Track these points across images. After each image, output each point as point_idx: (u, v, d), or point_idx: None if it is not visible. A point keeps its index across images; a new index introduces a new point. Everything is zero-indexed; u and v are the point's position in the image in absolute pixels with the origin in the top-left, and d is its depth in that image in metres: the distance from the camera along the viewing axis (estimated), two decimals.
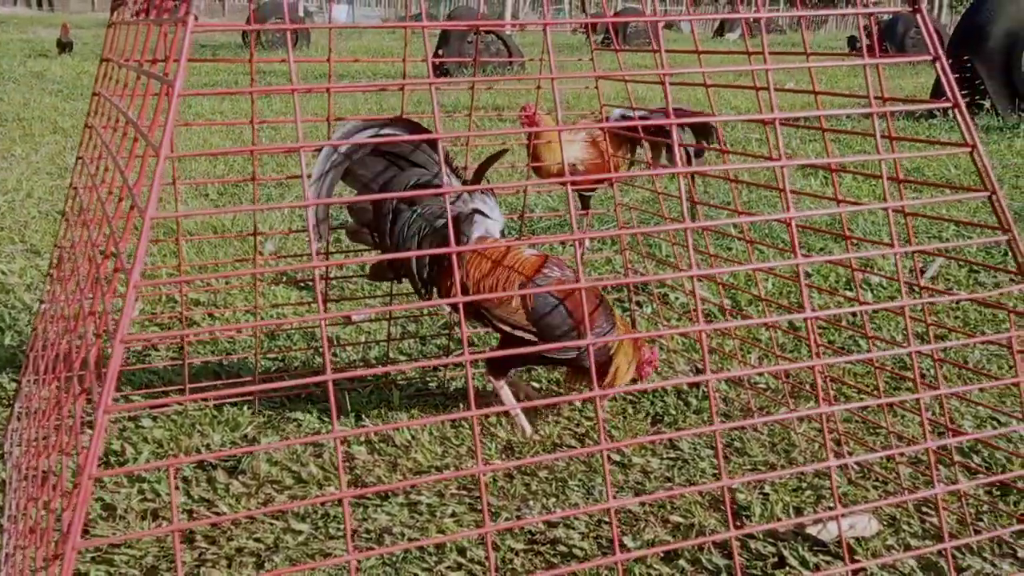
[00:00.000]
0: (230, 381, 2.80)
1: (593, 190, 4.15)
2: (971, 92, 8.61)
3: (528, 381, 2.91)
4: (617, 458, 2.44)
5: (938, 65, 1.62)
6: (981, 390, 2.81)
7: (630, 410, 2.74)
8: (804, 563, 1.99)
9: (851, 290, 3.78)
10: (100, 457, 2.41)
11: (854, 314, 3.39)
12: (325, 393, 2.80)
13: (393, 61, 2.72)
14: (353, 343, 3.19)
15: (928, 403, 2.69)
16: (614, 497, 2.25)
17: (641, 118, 3.42)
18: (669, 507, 2.22)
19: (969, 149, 1.64)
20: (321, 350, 3.04)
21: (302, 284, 3.81)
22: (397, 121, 2.39)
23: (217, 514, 2.14)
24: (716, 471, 2.38)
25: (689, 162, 3.72)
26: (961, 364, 2.81)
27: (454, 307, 2.55)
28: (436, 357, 3.12)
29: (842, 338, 3.24)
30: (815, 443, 2.50)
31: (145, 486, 2.26)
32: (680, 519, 2.17)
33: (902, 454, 2.34)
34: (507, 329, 2.48)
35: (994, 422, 2.60)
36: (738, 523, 2.15)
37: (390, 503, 2.21)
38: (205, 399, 2.69)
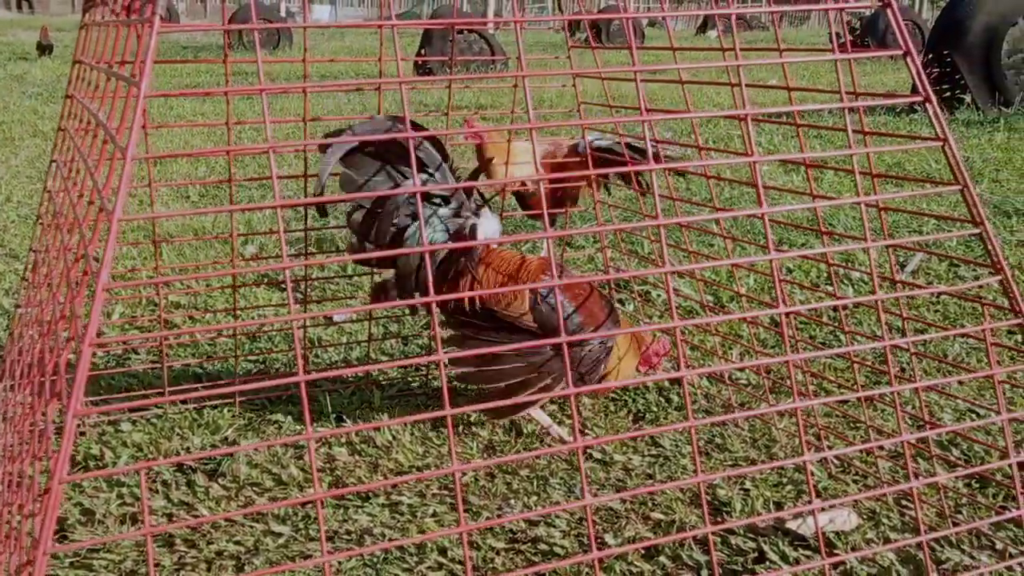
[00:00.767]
0: (210, 384, 2.79)
1: (552, 214, 3.98)
2: (952, 87, 8.66)
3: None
4: (599, 456, 2.44)
5: (909, 60, 1.63)
6: (960, 383, 2.82)
7: (612, 407, 2.74)
8: (784, 558, 1.99)
9: (831, 285, 3.79)
10: (79, 462, 2.39)
11: (835, 309, 3.40)
12: (307, 395, 2.79)
13: (371, 61, 2.71)
14: (335, 344, 3.18)
15: (908, 397, 2.70)
16: (595, 495, 2.25)
17: (612, 149, 3.35)
18: (650, 504, 2.22)
19: (941, 143, 1.64)
20: (304, 352, 3.03)
21: (283, 285, 3.80)
22: (400, 121, 2.34)
23: (196, 517, 2.13)
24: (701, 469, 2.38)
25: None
26: (940, 358, 2.83)
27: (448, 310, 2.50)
28: (417, 357, 3.11)
29: (823, 333, 3.25)
30: (795, 438, 2.51)
31: (124, 490, 2.25)
32: (661, 516, 2.17)
33: (881, 448, 2.35)
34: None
35: (973, 415, 2.62)
36: (719, 519, 2.15)
37: (371, 504, 2.20)
38: (184, 401, 2.68)
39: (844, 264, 3.94)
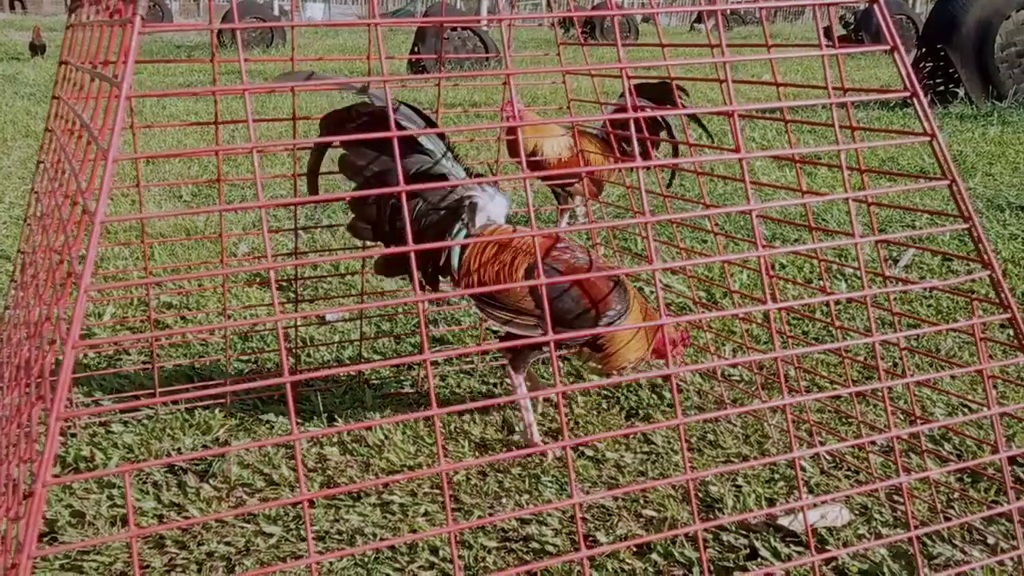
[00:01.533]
0: (200, 384, 2.78)
1: (569, 185, 4.13)
2: (945, 81, 8.66)
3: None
4: (591, 453, 2.44)
5: (896, 55, 1.62)
6: (953, 378, 2.82)
7: (604, 405, 2.74)
8: (776, 554, 1.99)
9: (826, 280, 3.79)
10: (70, 463, 2.39)
11: (828, 304, 3.40)
12: (298, 395, 2.79)
13: (363, 59, 2.70)
14: (327, 343, 3.17)
15: (900, 392, 2.70)
16: (586, 492, 2.25)
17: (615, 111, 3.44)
18: (642, 501, 2.22)
19: (928, 138, 1.64)
20: (295, 351, 3.02)
21: (276, 285, 3.79)
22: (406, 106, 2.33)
23: (187, 518, 2.13)
24: (690, 464, 2.38)
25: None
26: (932, 353, 2.83)
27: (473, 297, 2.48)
28: (410, 356, 3.11)
29: (815, 329, 3.25)
30: (788, 434, 2.50)
31: (115, 491, 2.24)
32: (653, 513, 2.17)
33: (873, 443, 2.35)
34: (511, 317, 2.36)
35: (965, 410, 2.62)
36: (711, 516, 2.15)
37: (362, 504, 2.20)
38: (175, 401, 2.67)
39: (835, 260, 3.95)
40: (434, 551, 2.00)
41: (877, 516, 2.12)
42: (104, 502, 2.19)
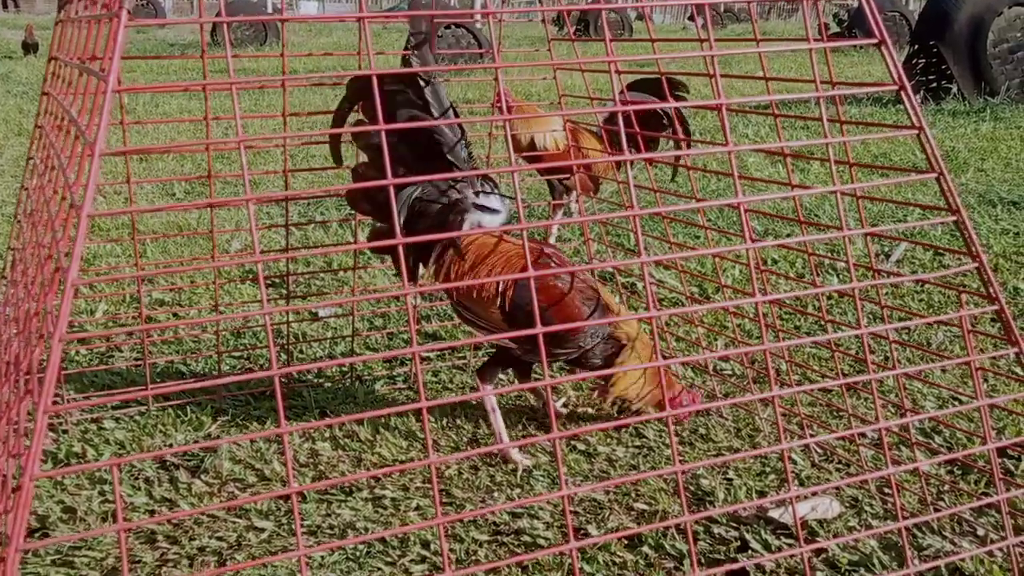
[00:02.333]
0: (191, 380, 2.78)
1: (567, 177, 4.13)
2: (938, 78, 8.68)
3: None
4: (582, 447, 2.44)
5: (883, 49, 1.63)
6: (944, 371, 2.83)
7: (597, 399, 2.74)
8: (767, 546, 2.00)
9: (817, 275, 3.80)
10: (61, 459, 2.39)
11: (819, 299, 3.41)
12: (290, 390, 2.79)
13: (355, 56, 2.70)
14: (319, 339, 3.17)
15: (891, 385, 2.71)
16: (577, 485, 2.25)
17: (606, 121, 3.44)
18: (634, 495, 2.22)
19: (916, 131, 1.64)
20: (287, 347, 3.02)
21: (268, 281, 3.79)
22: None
23: (184, 515, 2.13)
24: (682, 458, 2.39)
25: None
26: (923, 347, 2.84)
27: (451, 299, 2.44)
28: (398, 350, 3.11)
29: (807, 324, 3.26)
30: (778, 427, 2.51)
31: (106, 487, 2.24)
32: (644, 506, 2.17)
33: (863, 436, 2.36)
34: (485, 328, 2.34)
35: (956, 403, 2.62)
36: (702, 509, 2.16)
37: (354, 498, 2.20)
38: (166, 397, 2.67)
39: (825, 254, 3.95)
40: (425, 545, 2.01)
41: (868, 508, 2.13)
42: (96, 498, 2.19)
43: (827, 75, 1.85)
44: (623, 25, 20.78)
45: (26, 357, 1.47)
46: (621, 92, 2.86)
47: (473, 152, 2.38)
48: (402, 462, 2.38)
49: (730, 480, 2.27)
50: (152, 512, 2.16)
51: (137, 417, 2.60)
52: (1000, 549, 1.92)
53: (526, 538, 2.04)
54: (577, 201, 3.66)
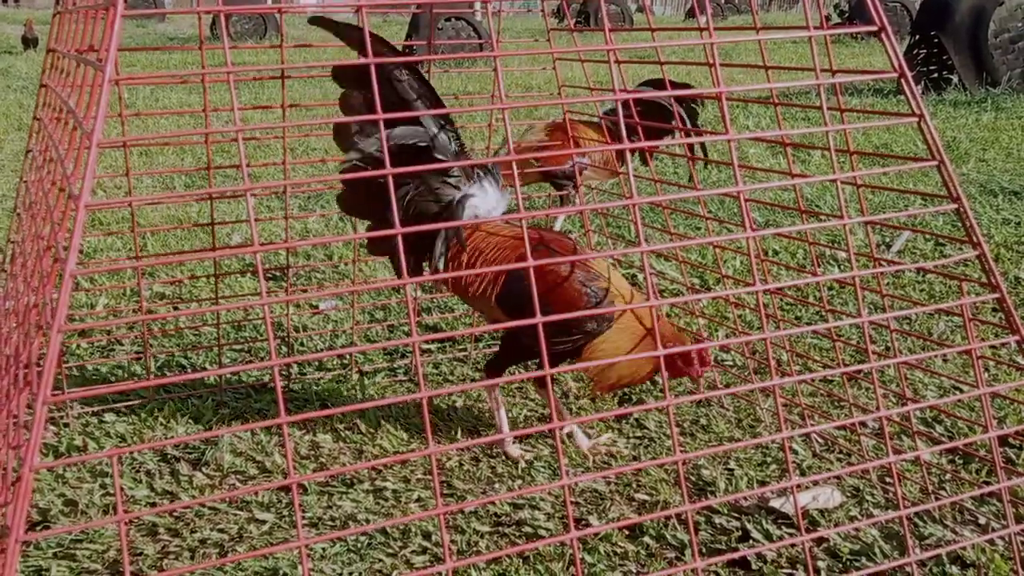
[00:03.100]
0: (193, 375, 2.78)
1: (568, 177, 4.13)
2: (939, 68, 8.66)
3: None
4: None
5: (884, 36, 1.62)
6: (945, 361, 2.83)
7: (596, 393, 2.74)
8: (768, 536, 2.00)
9: (818, 266, 3.79)
10: (62, 452, 2.39)
11: (820, 288, 3.40)
12: (291, 383, 2.79)
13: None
14: (320, 331, 3.17)
15: (892, 375, 2.71)
16: (577, 475, 2.25)
17: (608, 112, 3.44)
18: (635, 485, 2.22)
19: (916, 119, 1.64)
20: (288, 339, 3.02)
21: (269, 275, 3.79)
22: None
23: (182, 507, 2.13)
24: (682, 448, 2.39)
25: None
26: (925, 336, 2.83)
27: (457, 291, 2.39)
28: (396, 340, 3.11)
29: (808, 314, 3.25)
30: (778, 417, 2.50)
31: (107, 480, 2.24)
32: (646, 497, 2.17)
33: (864, 425, 2.35)
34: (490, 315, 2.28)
35: (958, 392, 2.62)
36: (703, 499, 2.15)
37: (355, 490, 2.20)
38: (168, 390, 2.67)
39: (827, 244, 3.95)
40: (427, 536, 2.01)
41: (869, 498, 2.13)
42: (97, 491, 2.19)
43: (828, 64, 1.84)
44: (623, 17, 20.73)
45: (25, 349, 1.47)
46: (640, 85, 2.86)
47: (463, 143, 2.28)
48: (403, 454, 2.38)
49: (731, 470, 2.27)
50: (153, 504, 2.16)
51: (138, 410, 2.60)
52: (1002, 538, 1.91)
53: (527, 529, 2.04)
54: (577, 191, 3.65)
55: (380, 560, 1.94)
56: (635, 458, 2.35)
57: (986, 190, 5.02)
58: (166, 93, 9.74)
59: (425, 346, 3.03)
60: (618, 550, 1.96)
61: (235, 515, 2.10)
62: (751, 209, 4.45)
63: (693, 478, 2.24)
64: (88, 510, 2.13)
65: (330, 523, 2.08)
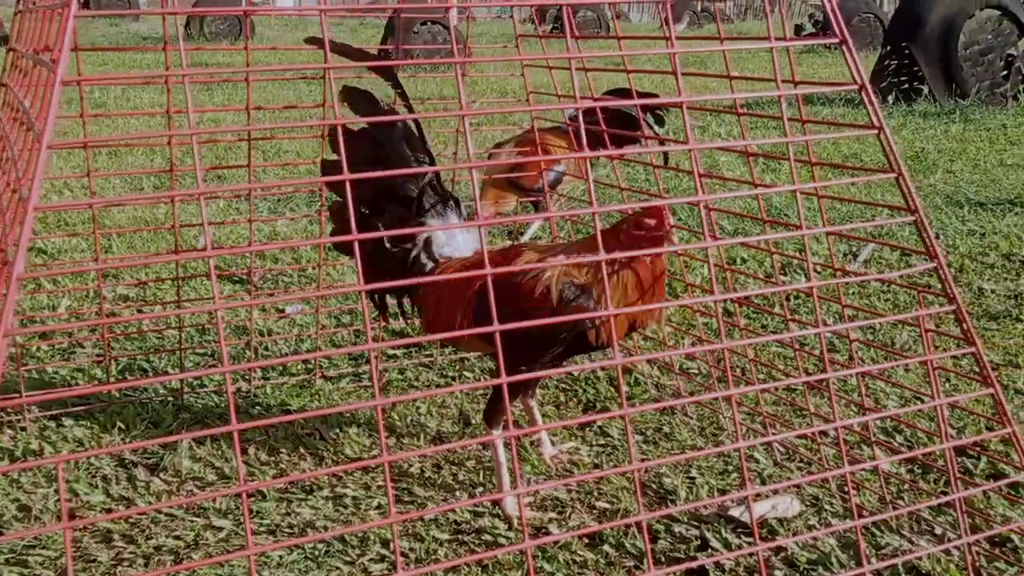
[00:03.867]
0: (154, 379, 2.75)
1: (537, 193, 4.11)
2: (910, 79, 8.75)
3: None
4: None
5: (844, 48, 1.63)
6: (907, 371, 2.85)
7: (562, 398, 2.74)
8: (727, 545, 2.00)
9: (786, 275, 3.82)
10: (17, 457, 2.35)
11: (788, 297, 3.42)
12: (253, 388, 2.77)
13: (315, 50, 2.67)
14: (285, 336, 3.15)
15: (854, 385, 2.72)
16: (537, 483, 2.25)
17: (572, 118, 3.44)
18: (596, 493, 2.22)
19: (876, 131, 1.65)
20: (252, 343, 2.99)
21: (235, 278, 3.76)
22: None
23: (136, 513, 2.10)
24: (644, 456, 2.39)
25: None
26: (887, 347, 2.85)
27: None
28: (356, 346, 3.09)
29: (774, 323, 3.27)
30: (743, 427, 2.52)
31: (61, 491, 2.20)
32: (606, 505, 2.17)
33: (824, 434, 2.37)
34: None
35: (918, 402, 2.64)
36: (664, 507, 2.15)
37: (314, 497, 2.18)
38: (128, 394, 2.64)
39: (794, 254, 3.97)
40: (385, 544, 1.99)
41: (828, 507, 2.14)
42: (51, 496, 2.16)
43: (800, 75, 1.86)
44: (600, 23, 20.79)
45: None
46: (573, 118, 2.87)
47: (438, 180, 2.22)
48: (361, 461, 2.36)
49: (693, 479, 2.27)
50: (109, 510, 2.13)
51: (97, 414, 2.57)
52: (957, 548, 1.93)
53: (487, 537, 2.04)
54: (546, 199, 3.66)
55: (338, 568, 1.92)
56: (597, 466, 2.35)
57: (952, 201, 5.07)
58: (137, 93, 9.66)
59: (391, 351, 3.02)
60: (577, 559, 1.96)
61: (192, 522, 2.08)
62: (722, 218, 4.47)
63: (655, 486, 2.24)
64: (42, 516, 2.10)
65: (288, 530, 2.06)
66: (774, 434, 2.42)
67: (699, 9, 25.91)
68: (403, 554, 1.96)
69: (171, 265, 3.76)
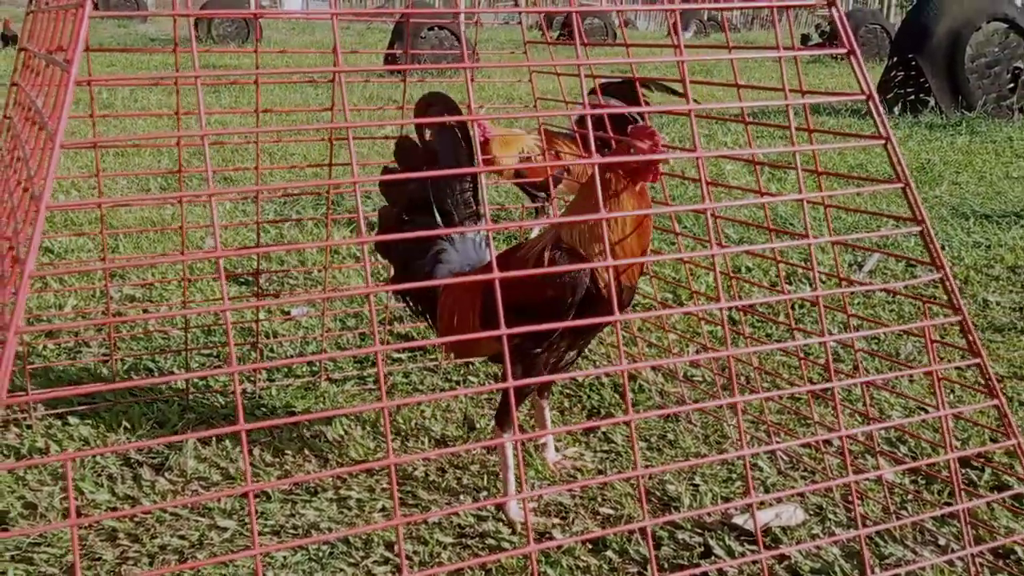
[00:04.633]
0: (159, 379, 2.76)
1: (544, 189, 4.15)
2: (916, 90, 8.75)
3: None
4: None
5: (852, 58, 1.64)
6: (911, 382, 2.85)
7: (567, 404, 2.74)
8: (730, 552, 2.00)
9: (791, 284, 3.82)
10: (23, 455, 2.36)
11: (793, 307, 3.42)
12: (258, 390, 2.77)
13: (327, 53, 2.69)
14: (290, 338, 3.16)
15: (859, 395, 2.72)
16: (541, 487, 2.25)
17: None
18: (600, 499, 2.22)
19: (883, 142, 1.65)
20: (258, 345, 3.00)
21: (241, 279, 3.77)
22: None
23: (141, 512, 2.11)
24: (648, 463, 2.39)
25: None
26: (892, 358, 2.85)
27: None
28: (360, 348, 3.09)
29: (779, 332, 3.27)
30: (747, 435, 2.52)
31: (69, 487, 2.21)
32: (610, 511, 2.18)
33: (829, 444, 2.37)
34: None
35: (923, 413, 2.64)
36: (667, 514, 2.16)
37: (319, 499, 2.18)
38: (134, 394, 2.65)
39: (799, 263, 3.97)
40: (389, 546, 2.00)
41: (831, 516, 2.14)
42: (57, 494, 2.17)
43: (806, 85, 1.86)
44: (607, 31, 20.83)
45: None
46: (592, 92, 2.85)
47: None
48: (366, 463, 2.37)
49: (696, 486, 2.27)
50: (115, 509, 2.13)
51: (103, 414, 2.57)
52: (960, 559, 1.93)
53: (491, 541, 2.04)
54: (551, 204, 3.66)
55: (341, 570, 1.92)
56: (600, 472, 2.36)
57: (958, 213, 5.07)
58: (145, 95, 9.69)
59: (396, 355, 3.03)
60: (581, 564, 1.96)
61: (196, 521, 2.08)
62: (727, 227, 4.48)
63: (658, 493, 2.25)
64: (48, 513, 2.11)
65: (292, 531, 2.06)
66: (778, 443, 2.43)
67: (706, 18, 25.95)
68: (407, 557, 1.96)
69: (177, 266, 3.77)
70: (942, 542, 2.04)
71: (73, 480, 2.22)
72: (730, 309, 3.09)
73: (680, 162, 5.73)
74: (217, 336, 3.17)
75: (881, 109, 1.63)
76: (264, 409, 2.66)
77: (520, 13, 2.68)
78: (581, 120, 3.42)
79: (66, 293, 3.47)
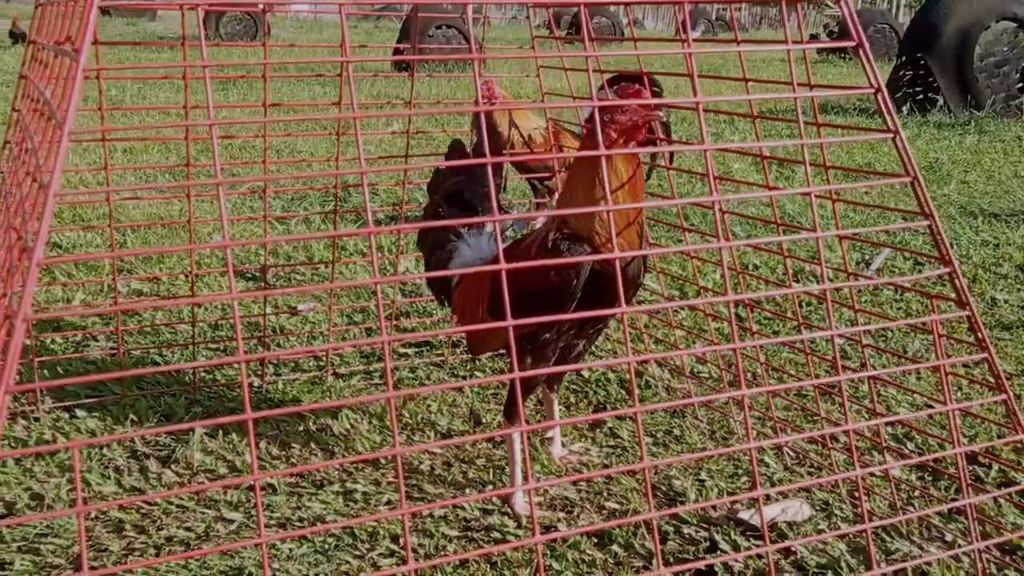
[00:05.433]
0: (166, 370, 2.76)
1: (548, 177, 4.15)
2: (925, 90, 8.73)
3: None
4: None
5: (861, 52, 1.64)
6: (919, 378, 2.84)
7: (573, 399, 2.74)
8: (736, 547, 2.00)
9: (799, 280, 3.81)
10: (30, 447, 2.36)
11: (800, 303, 3.42)
12: (266, 384, 2.78)
13: (334, 48, 2.69)
14: (297, 333, 3.16)
15: (866, 391, 2.72)
16: (546, 480, 2.25)
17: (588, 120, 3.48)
18: (605, 494, 2.22)
19: (891, 135, 1.65)
20: (265, 340, 3.00)
21: (249, 275, 3.78)
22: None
23: (147, 503, 2.12)
24: (654, 459, 2.39)
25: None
26: (899, 354, 2.85)
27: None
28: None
29: (786, 328, 3.26)
30: (753, 430, 2.51)
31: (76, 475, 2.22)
32: (616, 505, 2.17)
33: (835, 439, 2.36)
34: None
35: (930, 409, 2.63)
36: (672, 508, 2.15)
37: (325, 492, 2.19)
38: (141, 388, 2.66)
39: (806, 259, 3.97)
40: (395, 539, 2.00)
41: (838, 512, 2.14)
42: (64, 485, 2.18)
43: (793, 76, 1.85)
44: (614, 30, 20.82)
45: None
46: (601, 88, 2.84)
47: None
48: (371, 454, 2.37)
49: (702, 481, 2.27)
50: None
51: (110, 407, 2.58)
52: (967, 554, 1.92)
53: (496, 534, 2.04)
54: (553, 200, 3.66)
55: (347, 562, 1.93)
56: (606, 466, 2.35)
57: (966, 211, 5.06)
58: (153, 91, 9.71)
59: (402, 350, 3.03)
60: (586, 557, 1.96)
61: (203, 513, 2.09)
62: (734, 223, 4.47)
63: (664, 487, 2.24)
64: (54, 504, 2.11)
65: (298, 523, 2.06)
66: (784, 437, 2.42)
67: (714, 17, 25.92)
68: (412, 549, 1.96)
69: (184, 261, 3.78)
70: (949, 538, 2.04)
71: (80, 472, 2.22)
72: (737, 306, 3.08)
73: (688, 161, 5.75)
74: (224, 331, 3.18)
75: (889, 103, 1.63)
76: (270, 403, 2.66)
77: (528, 7, 2.67)
78: (590, 116, 3.42)
79: (73, 287, 3.48)
